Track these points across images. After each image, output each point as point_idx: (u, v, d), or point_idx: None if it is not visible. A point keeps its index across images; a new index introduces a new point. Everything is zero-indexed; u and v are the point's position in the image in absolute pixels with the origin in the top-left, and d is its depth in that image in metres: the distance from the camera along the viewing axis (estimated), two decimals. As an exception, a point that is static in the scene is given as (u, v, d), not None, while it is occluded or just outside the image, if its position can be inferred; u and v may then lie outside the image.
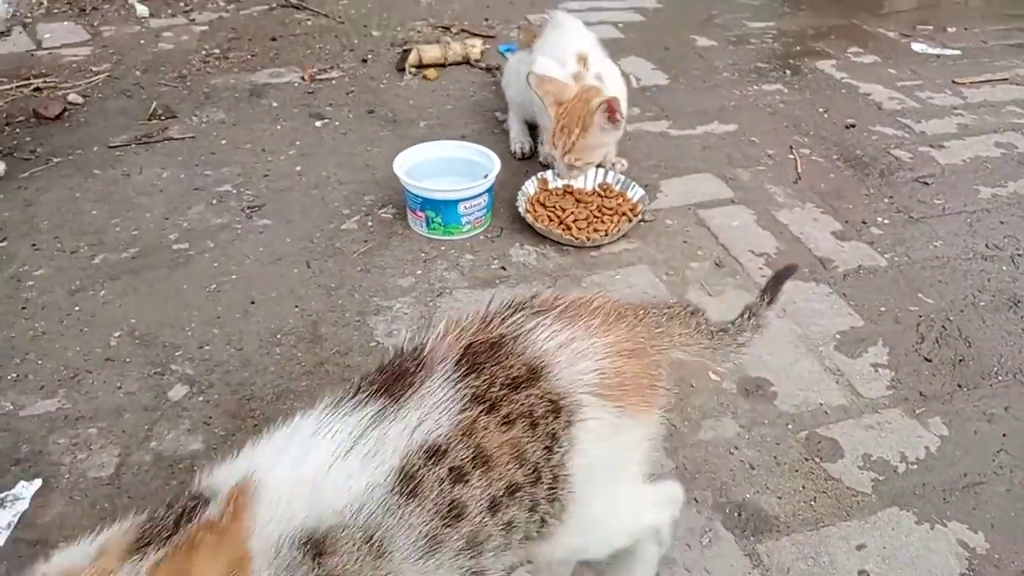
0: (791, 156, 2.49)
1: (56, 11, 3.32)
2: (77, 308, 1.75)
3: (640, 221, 2.09)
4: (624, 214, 2.08)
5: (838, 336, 1.77)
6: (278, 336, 1.71)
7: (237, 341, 1.69)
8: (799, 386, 1.63)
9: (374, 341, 1.72)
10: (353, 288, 1.86)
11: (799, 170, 2.42)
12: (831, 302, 1.88)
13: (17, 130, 2.44)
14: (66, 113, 2.52)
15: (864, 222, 2.18)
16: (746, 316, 1.22)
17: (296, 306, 1.80)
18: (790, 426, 1.54)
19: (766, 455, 1.48)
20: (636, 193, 2.15)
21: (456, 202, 1.98)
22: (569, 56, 2.13)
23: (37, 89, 2.68)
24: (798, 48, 3.36)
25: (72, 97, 2.62)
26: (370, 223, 2.10)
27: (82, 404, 1.52)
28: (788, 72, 3.11)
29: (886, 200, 2.29)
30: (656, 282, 1.92)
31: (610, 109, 1.94)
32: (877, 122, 2.73)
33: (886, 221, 2.19)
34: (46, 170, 2.24)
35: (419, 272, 1.93)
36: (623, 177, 2.19)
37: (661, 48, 3.29)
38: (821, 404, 1.59)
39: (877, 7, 3.87)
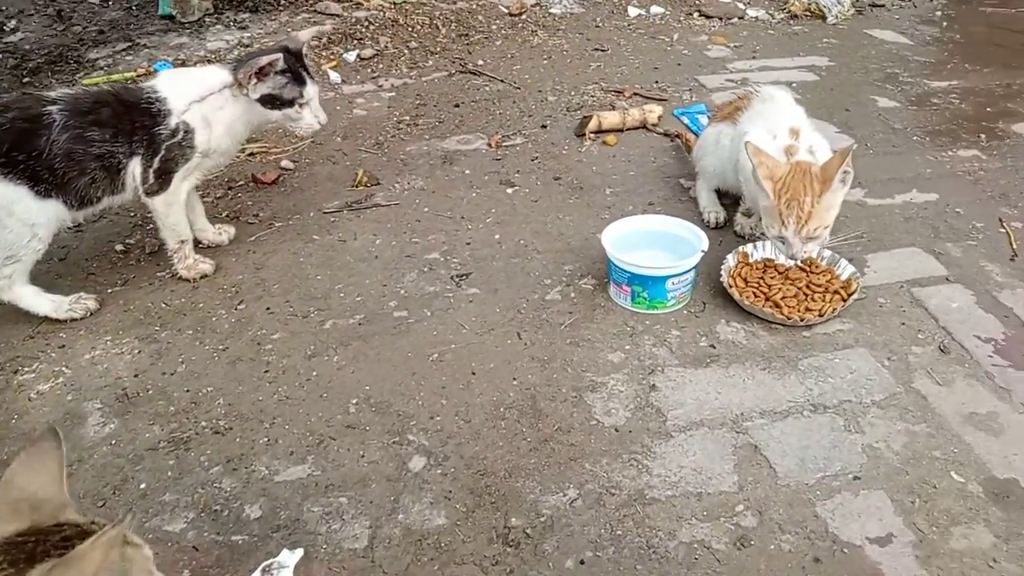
0: (1002, 230, 2.36)
1: (257, 79, 3.60)
2: (315, 373, 1.88)
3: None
4: (836, 292, 2.03)
5: (1092, 438, 1.65)
6: (501, 409, 1.77)
7: (464, 413, 1.76)
8: (1056, 493, 1.53)
9: (593, 420, 1.74)
10: (565, 362, 1.90)
11: (1014, 246, 2.28)
12: (1077, 398, 1.75)
13: (239, 194, 2.66)
14: (281, 178, 2.73)
15: (1100, 307, 2.03)
16: None
17: (514, 379, 1.86)
18: (1053, 539, 1.44)
19: (1031, 571, 1.39)
20: (845, 270, 2.09)
21: (665, 278, 2.00)
22: (781, 129, 2.12)
23: (252, 154, 2.92)
24: (989, 109, 3.20)
25: (284, 163, 2.84)
26: (572, 294, 2.14)
27: (330, 471, 1.62)
28: (983, 136, 2.96)
29: (1121, 282, 2.13)
30: (878, 367, 1.85)
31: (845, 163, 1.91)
32: (1096, 193, 2.55)
33: (1125, 306, 2.03)
34: (270, 234, 2.43)
35: (627, 347, 1.95)
36: (829, 252, 2.14)
37: (841, 109, 3.21)
38: (1085, 516, 1.48)
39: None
